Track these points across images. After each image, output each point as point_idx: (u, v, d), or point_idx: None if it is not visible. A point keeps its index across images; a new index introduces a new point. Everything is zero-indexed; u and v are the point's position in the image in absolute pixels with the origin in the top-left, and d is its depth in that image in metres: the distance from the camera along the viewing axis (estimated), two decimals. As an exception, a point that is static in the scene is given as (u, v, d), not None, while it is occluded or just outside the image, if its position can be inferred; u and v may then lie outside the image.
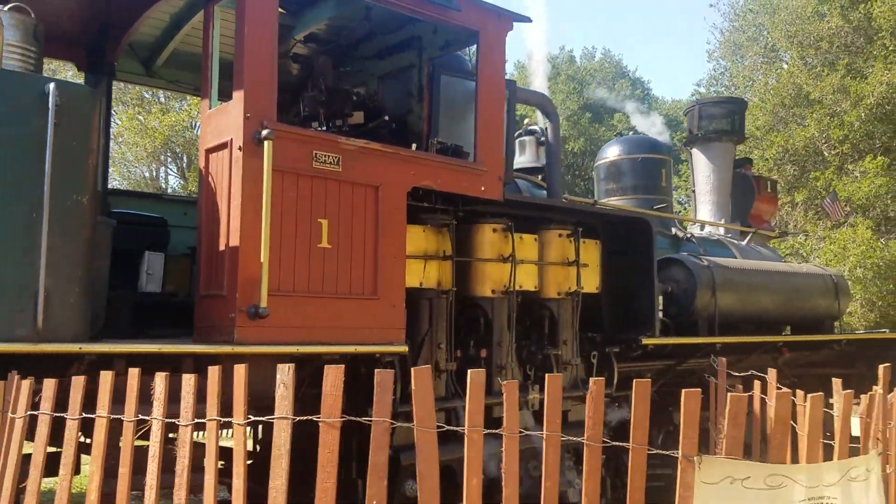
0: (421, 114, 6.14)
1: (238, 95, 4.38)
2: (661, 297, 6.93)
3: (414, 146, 5.50)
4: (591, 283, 6.40)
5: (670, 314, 7.09)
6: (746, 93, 29.92)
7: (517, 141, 8.11)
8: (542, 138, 7.90)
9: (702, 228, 9.79)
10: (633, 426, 2.91)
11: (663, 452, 2.88)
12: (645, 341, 6.35)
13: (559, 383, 3.01)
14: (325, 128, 6.16)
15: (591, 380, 3.01)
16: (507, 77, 6.02)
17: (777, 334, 7.91)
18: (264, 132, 4.25)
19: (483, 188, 5.48)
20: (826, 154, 25.84)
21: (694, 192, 9.97)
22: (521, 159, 7.97)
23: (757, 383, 4.59)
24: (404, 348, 4.88)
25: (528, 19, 5.79)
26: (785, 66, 27.61)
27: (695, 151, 9.90)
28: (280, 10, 6.33)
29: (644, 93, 48.94)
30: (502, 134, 5.61)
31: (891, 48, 23.12)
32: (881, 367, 4.13)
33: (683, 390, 2.86)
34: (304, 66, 6.40)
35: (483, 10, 5.52)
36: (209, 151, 4.60)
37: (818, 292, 8.00)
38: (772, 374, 4.61)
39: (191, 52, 6.35)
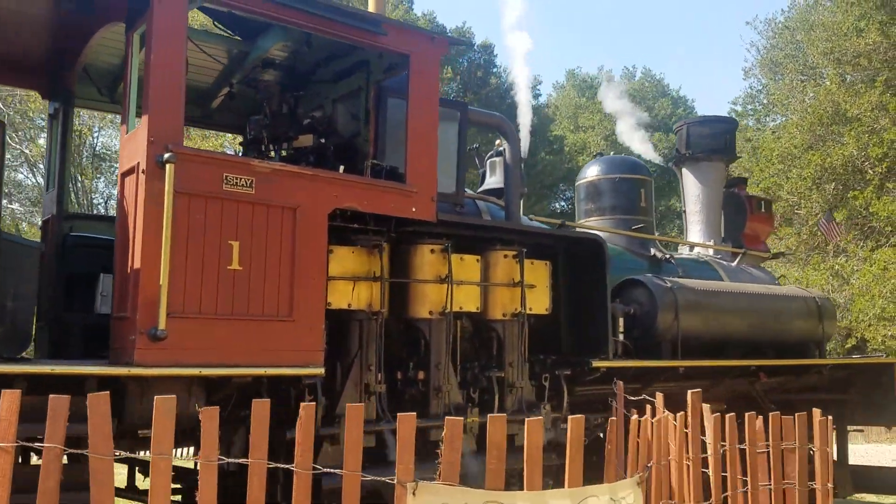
0: (368, 136, 6.17)
1: (144, 120, 4.47)
2: (622, 319, 6.79)
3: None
4: (539, 304, 6.30)
5: (633, 336, 6.92)
6: (785, 111, 29.28)
7: (488, 162, 8.08)
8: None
9: (691, 249, 9.58)
10: (347, 451, 2.78)
11: (378, 479, 2.78)
12: (595, 364, 6.21)
13: (266, 409, 2.89)
14: (272, 151, 6.27)
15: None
16: (459, 100, 6.04)
17: (760, 358, 7.64)
18: (166, 155, 4.33)
19: (414, 209, 5.46)
20: (869, 172, 25.05)
21: (684, 212, 9.77)
22: (492, 180, 7.92)
23: (652, 407, 4.42)
24: (320, 370, 4.87)
25: (466, 43, 5.88)
26: (824, 84, 26.91)
27: (685, 171, 9.72)
28: (235, 37, 6.50)
29: (686, 111, 48.38)
30: (435, 155, 5.59)
31: (931, 63, 22.37)
32: (690, 392, 3.75)
33: (399, 415, 2.74)
34: (259, 92, 6.50)
35: (413, 34, 5.55)
36: (123, 175, 4.70)
37: (799, 315, 7.71)
38: (659, 399, 4.43)
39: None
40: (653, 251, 8.36)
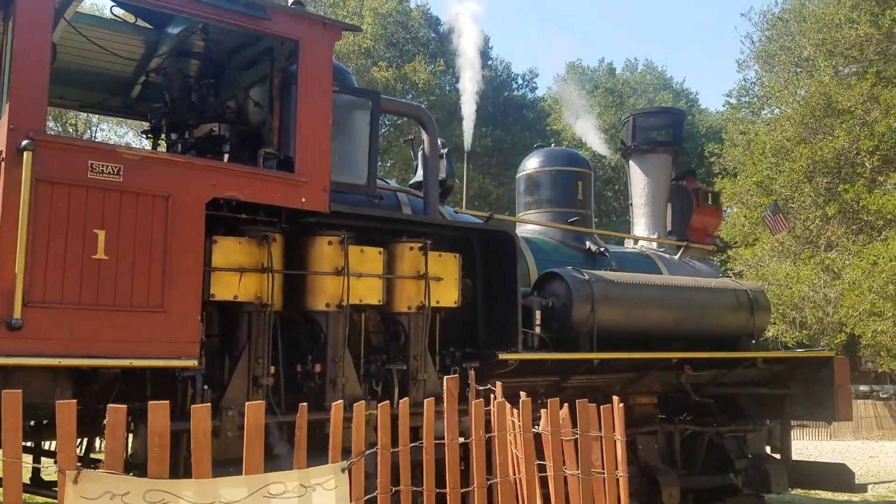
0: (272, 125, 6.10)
1: (6, 108, 4.41)
2: (538, 312, 6.69)
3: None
4: (447, 296, 6.21)
5: (552, 329, 6.83)
6: (779, 104, 28.94)
7: (420, 153, 7.99)
8: (443, 150, 7.77)
9: (635, 243, 9.46)
10: (5, 441, 2.65)
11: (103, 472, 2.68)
12: (502, 356, 6.12)
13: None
14: (170, 140, 6.21)
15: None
16: (370, 88, 5.95)
17: (690, 351, 7.52)
18: (24, 143, 4.28)
19: (304, 199, 5.38)
20: (863, 165, 24.72)
21: (631, 204, 9.65)
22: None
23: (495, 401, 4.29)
24: (193, 362, 4.81)
25: (358, 29, 5.70)
26: (817, 76, 26.59)
27: (631, 163, 9.59)
28: (147, 25, 6.44)
29: (689, 104, 47.94)
30: (327, 144, 5.51)
31: (924, 54, 21.99)
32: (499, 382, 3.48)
33: (58, 403, 2.63)
34: (162, 80, 6.44)
35: (302, 19, 5.46)
36: (-8, 163, 4.64)
37: (728, 308, 7.58)
38: (499, 388, 4.31)
39: (69, 68, 6.46)
40: (588, 244, 8.25)
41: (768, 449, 8.81)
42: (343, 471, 2.86)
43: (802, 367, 8.25)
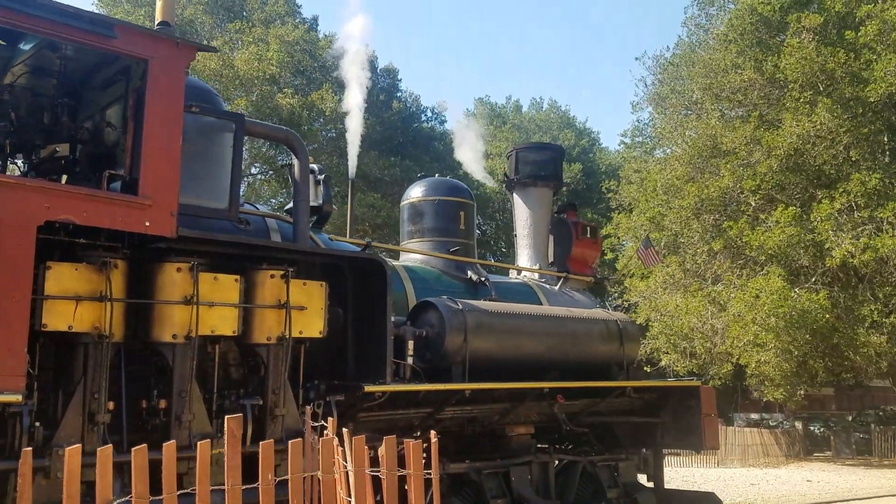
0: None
1: None
2: (411, 343, 6.57)
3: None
4: (311, 327, 5.99)
5: (426, 359, 6.72)
6: (670, 144, 30.21)
7: (291, 178, 7.80)
8: (321, 176, 7.61)
9: (519, 273, 9.52)
10: None
11: None
12: (368, 389, 5.95)
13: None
14: (12, 162, 5.81)
15: None
16: (235, 111, 5.74)
17: (563, 381, 7.55)
18: None
19: (148, 223, 5.09)
20: (747, 203, 25.98)
21: (515, 235, 9.73)
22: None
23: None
24: (17, 397, 4.42)
25: (214, 49, 5.55)
26: (703, 118, 27.91)
27: (515, 196, 9.70)
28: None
29: (589, 142, 49.55)
30: (176, 167, 5.25)
31: (800, 100, 23.37)
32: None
33: None
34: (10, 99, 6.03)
35: (152, 39, 5.23)
36: None
37: (599, 338, 7.68)
38: (331, 423, 4.17)
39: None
40: (469, 274, 8.22)
41: (644, 478, 8.94)
42: None
43: (672, 396, 8.42)
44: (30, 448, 3.25)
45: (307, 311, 5.98)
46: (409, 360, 6.55)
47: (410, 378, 6.49)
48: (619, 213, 31.33)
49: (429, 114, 42.24)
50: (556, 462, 8.15)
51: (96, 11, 28.95)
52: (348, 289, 6.67)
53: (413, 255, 8.36)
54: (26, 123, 5.73)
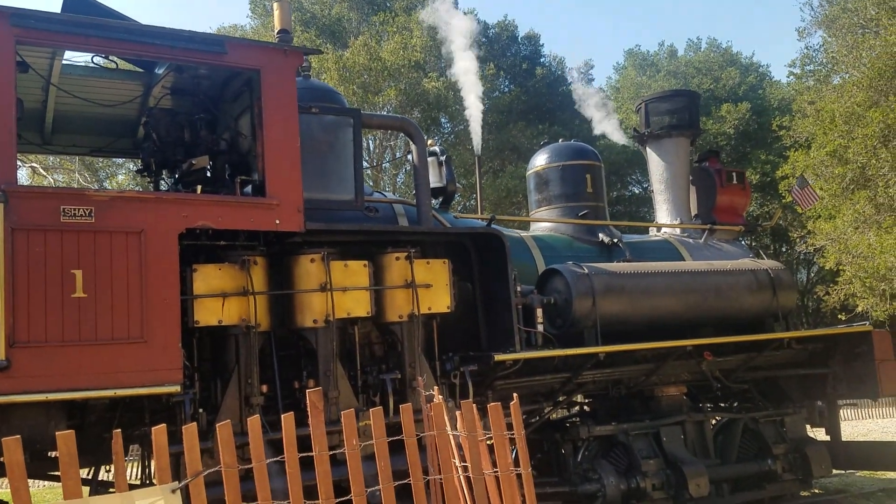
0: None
1: (-20, 165, 4.74)
2: (540, 310, 6.64)
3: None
4: (439, 302, 6.22)
5: (557, 325, 6.77)
6: (846, 69, 27.55)
7: (412, 163, 8.06)
8: (443, 157, 7.83)
9: (658, 230, 9.24)
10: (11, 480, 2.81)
11: None
12: (498, 358, 6.10)
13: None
14: (160, 178, 6.50)
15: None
16: (350, 106, 6.07)
17: (707, 337, 7.29)
18: (-6, 197, 4.59)
19: (278, 221, 5.54)
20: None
21: (651, 191, 9.43)
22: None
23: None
24: (175, 388, 5.01)
25: (318, 51, 5.86)
26: (881, 35, 25.18)
27: (648, 150, 9.39)
28: (136, 68, 6.77)
29: (758, 78, 46.14)
30: (297, 166, 5.65)
31: None
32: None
33: (58, 434, 2.78)
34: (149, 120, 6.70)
35: (261, 49, 5.64)
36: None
37: (746, 289, 7.28)
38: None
39: (75, 116, 6.84)
40: (601, 236, 8.12)
41: (822, 432, 8.46)
42: (174, 492, 2.94)
43: (840, 343, 7.86)
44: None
45: (433, 288, 6.22)
46: (540, 328, 6.62)
47: (542, 345, 6.57)
48: (795, 151, 29.12)
49: (575, 74, 41.31)
50: (715, 421, 7.90)
51: (251, 22, 30.76)
52: (473, 263, 6.85)
53: (542, 223, 8.37)
54: (169, 141, 6.38)
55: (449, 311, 6.29)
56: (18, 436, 3.02)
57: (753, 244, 25.71)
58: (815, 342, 7.84)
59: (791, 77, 33.91)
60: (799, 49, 50.37)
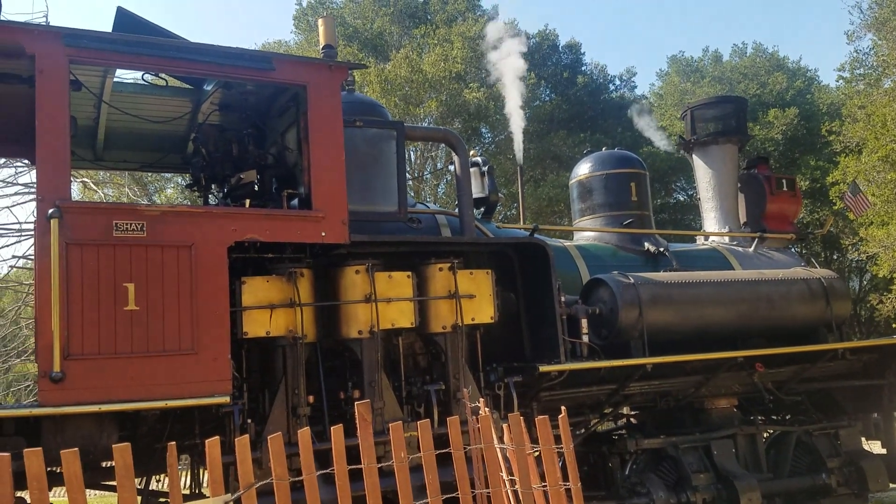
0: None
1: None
2: (584, 321, 6.57)
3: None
4: (483, 313, 6.21)
5: (602, 336, 6.69)
6: (899, 71, 26.83)
7: (454, 174, 8.08)
8: (485, 168, 7.83)
9: (706, 239, 9.09)
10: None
11: None
12: (543, 369, 6.06)
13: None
14: (209, 193, 6.61)
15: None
16: (394, 119, 6.12)
17: (757, 347, 7.14)
18: (49, 211, 4.72)
19: (324, 234, 5.59)
20: None
21: (699, 199, 9.29)
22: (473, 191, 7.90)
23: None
24: (225, 399, 5.07)
25: (363, 66, 5.96)
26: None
27: (695, 157, 9.25)
28: (186, 85, 6.91)
29: (805, 83, 45.19)
30: (342, 179, 5.70)
31: None
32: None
33: (115, 446, 2.82)
34: (196, 136, 6.83)
35: (307, 65, 5.72)
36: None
37: (799, 299, 7.10)
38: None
39: (126, 133, 7.02)
40: (646, 245, 8.02)
41: (878, 445, 8.20)
42: (229, 502, 2.97)
43: (894, 354, 7.63)
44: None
45: (476, 298, 6.21)
46: (585, 338, 6.55)
47: (588, 356, 6.50)
48: (845, 157, 28.42)
49: (617, 82, 41.00)
50: (767, 434, 7.72)
51: (295, 38, 31.18)
52: (517, 274, 6.82)
53: (585, 233, 8.30)
54: (217, 156, 6.49)
55: (492, 321, 6.27)
56: (76, 449, 3.09)
57: (804, 252, 25.16)
58: (870, 353, 7.62)
59: (840, 81, 33.15)
60: (848, 52, 49.22)
